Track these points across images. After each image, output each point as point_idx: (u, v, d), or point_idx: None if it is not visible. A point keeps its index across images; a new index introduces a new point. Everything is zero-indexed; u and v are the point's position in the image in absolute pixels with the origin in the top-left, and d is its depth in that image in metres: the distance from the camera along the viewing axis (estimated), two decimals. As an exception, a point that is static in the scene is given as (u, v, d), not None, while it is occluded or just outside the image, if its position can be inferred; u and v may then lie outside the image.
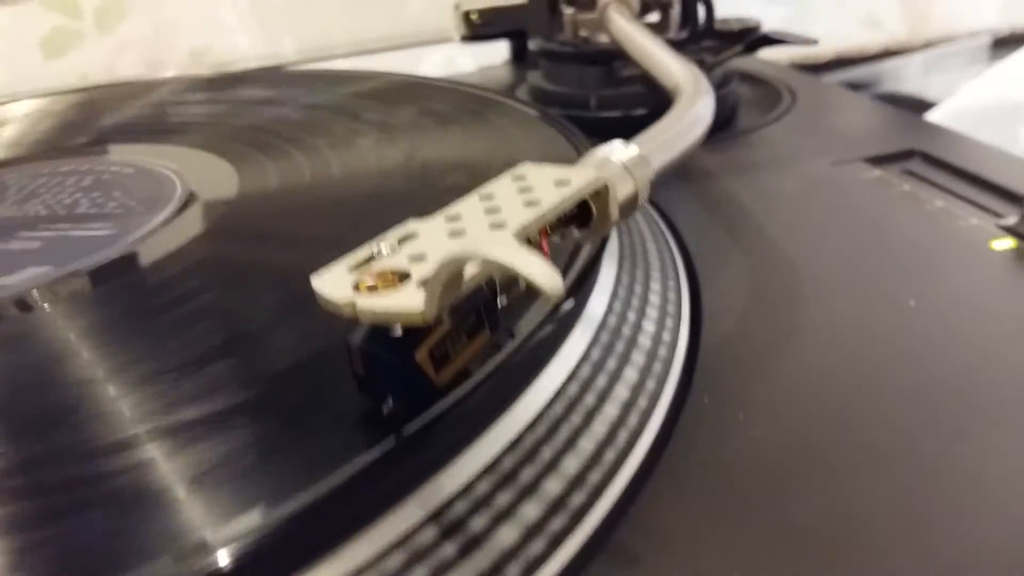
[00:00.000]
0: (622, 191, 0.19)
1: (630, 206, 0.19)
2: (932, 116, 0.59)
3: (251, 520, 0.13)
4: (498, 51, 0.56)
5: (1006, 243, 0.25)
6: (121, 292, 0.22)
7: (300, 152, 0.28)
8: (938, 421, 0.18)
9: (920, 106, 0.67)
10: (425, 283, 0.14)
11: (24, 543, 0.13)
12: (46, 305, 0.21)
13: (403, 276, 0.14)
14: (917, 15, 0.81)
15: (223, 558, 0.12)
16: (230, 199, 0.26)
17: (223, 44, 0.63)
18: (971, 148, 0.33)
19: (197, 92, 0.38)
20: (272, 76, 0.45)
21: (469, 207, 0.17)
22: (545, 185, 0.17)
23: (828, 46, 0.76)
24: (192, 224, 0.24)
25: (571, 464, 0.17)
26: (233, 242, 0.23)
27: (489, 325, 0.16)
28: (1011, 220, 0.26)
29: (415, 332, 0.15)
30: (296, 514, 0.13)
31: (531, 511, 0.16)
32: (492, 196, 0.17)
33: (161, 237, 0.24)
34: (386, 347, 0.14)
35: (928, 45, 0.78)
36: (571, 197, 0.17)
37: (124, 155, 0.31)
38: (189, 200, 0.26)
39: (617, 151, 0.19)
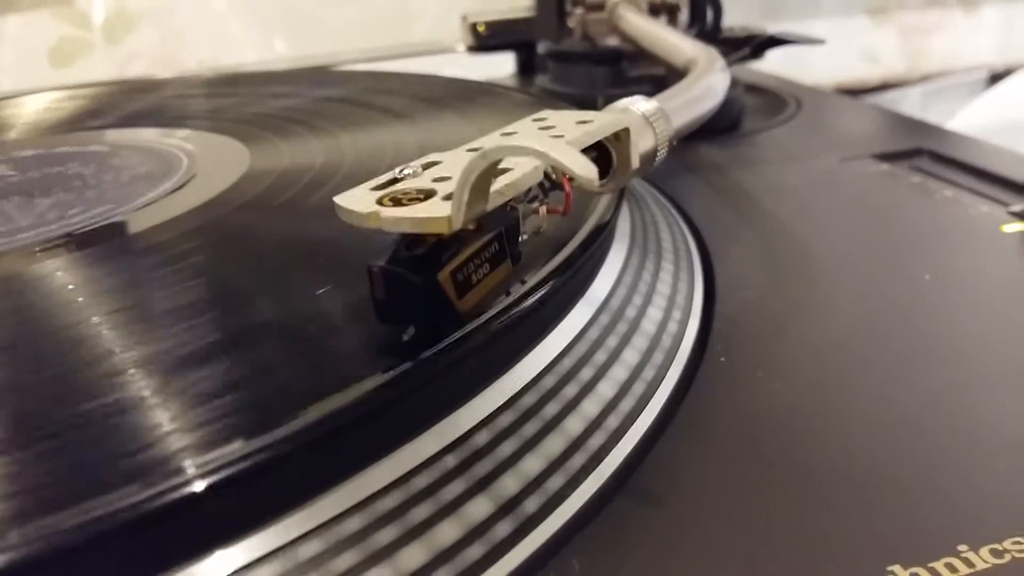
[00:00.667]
0: (643, 141, 0.19)
1: (650, 158, 0.19)
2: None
3: (265, 439, 0.12)
4: (498, 66, 0.57)
5: (1016, 227, 0.25)
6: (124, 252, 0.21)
7: (311, 134, 0.28)
8: (949, 379, 0.18)
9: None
10: (448, 196, 0.14)
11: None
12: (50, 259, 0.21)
13: (428, 193, 0.14)
14: (914, 51, 0.83)
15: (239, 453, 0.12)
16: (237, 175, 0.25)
17: (230, 56, 0.63)
18: (977, 146, 0.33)
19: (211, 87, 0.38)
20: (295, 74, 0.45)
21: (490, 139, 0.16)
22: (567, 124, 0.17)
23: (829, 77, 0.78)
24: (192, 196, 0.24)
25: (590, 407, 0.17)
26: (236, 212, 0.23)
27: (511, 257, 0.16)
28: (1020, 207, 0.26)
29: (438, 254, 0.14)
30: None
31: (553, 445, 0.15)
32: (514, 133, 0.17)
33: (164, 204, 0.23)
34: (408, 268, 0.14)
35: (925, 79, 0.79)
36: (592, 132, 0.17)
37: (136, 137, 0.31)
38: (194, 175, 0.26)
39: (639, 103, 0.19)
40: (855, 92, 0.79)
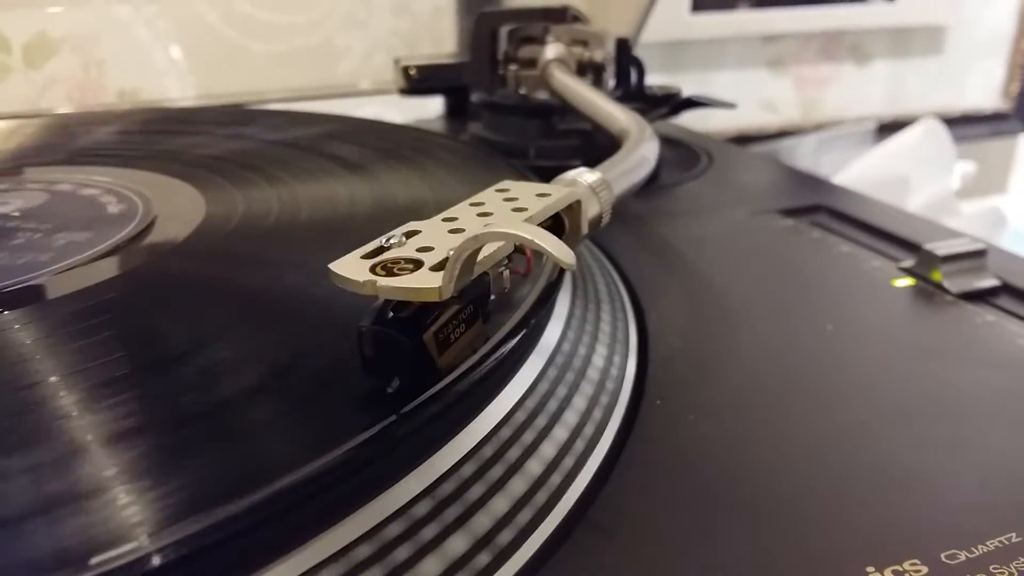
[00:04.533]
0: (590, 209, 0.21)
1: (596, 224, 0.21)
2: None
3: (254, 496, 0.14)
4: (429, 106, 0.59)
5: (905, 282, 0.29)
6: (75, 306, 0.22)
7: (267, 183, 0.30)
8: (847, 418, 0.21)
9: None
10: (436, 267, 0.15)
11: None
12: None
13: (416, 263, 0.16)
14: (809, 101, 0.89)
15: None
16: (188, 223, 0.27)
17: (153, 87, 0.63)
18: (868, 204, 0.37)
19: (159, 123, 0.39)
20: (244, 113, 0.45)
21: (462, 211, 0.18)
22: (528, 196, 0.19)
23: (731, 124, 0.83)
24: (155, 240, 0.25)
25: (548, 449, 0.19)
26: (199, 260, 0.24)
27: (482, 316, 0.18)
28: (909, 263, 0.30)
29: (422, 317, 0.16)
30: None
31: (518, 486, 0.17)
32: (482, 203, 0.19)
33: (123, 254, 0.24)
34: (396, 328, 0.16)
35: (819, 127, 0.85)
36: (553, 205, 0.19)
37: (91, 176, 0.31)
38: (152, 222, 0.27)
39: (584, 175, 0.22)
40: (755, 139, 0.85)
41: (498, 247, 0.16)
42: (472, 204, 0.19)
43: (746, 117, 0.84)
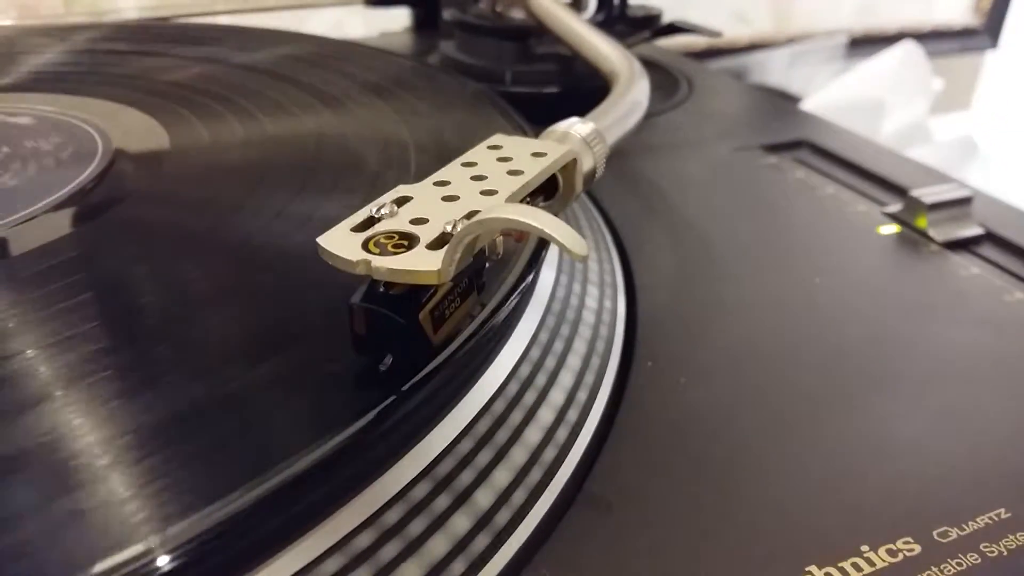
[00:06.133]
0: (584, 163, 0.20)
1: (590, 178, 0.20)
2: (804, 107, 0.63)
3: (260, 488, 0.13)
4: (392, 17, 0.56)
5: (890, 228, 0.29)
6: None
7: (232, 115, 0.28)
8: (837, 383, 0.21)
9: (785, 98, 0.72)
10: (433, 245, 0.15)
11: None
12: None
13: (411, 238, 0.15)
14: (781, 12, 0.87)
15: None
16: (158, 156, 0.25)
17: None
18: (852, 141, 0.36)
19: (121, 41, 0.36)
20: (202, 30, 0.42)
21: (455, 174, 0.17)
22: (523, 155, 0.18)
23: (702, 38, 0.81)
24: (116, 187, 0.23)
25: (545, 414, 0.18)
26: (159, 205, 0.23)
27: (477, 288, 0.17)
28: (894, 208, 0.29)
29: (417, 294, 0.15)
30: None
31: (518, 455, 0.17)
32: (475, 164, 0.18)
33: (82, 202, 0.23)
34: (390, 307, 0.15)
35: (791, 41, 0.84)
36: (549, 167, 0.18)
37: (37, 108, 0.29)
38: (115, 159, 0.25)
39: (577, 127, 0.20)
40: (726, 52, 0.83)
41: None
42: (465, 164, 0.18)
43: (718, 29, 0.82)
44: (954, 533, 0.16)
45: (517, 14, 0.39)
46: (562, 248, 0.13)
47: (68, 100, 0.29)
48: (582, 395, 0.19)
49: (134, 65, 0.33)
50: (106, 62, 0.33)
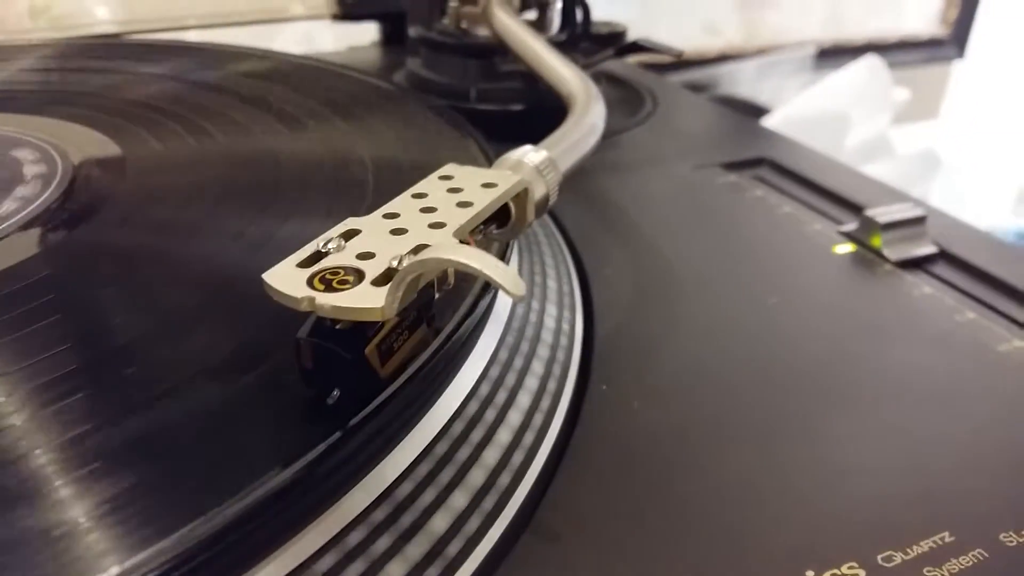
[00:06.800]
0: (537, 191, 0.20)
1: (543, 206, 0.20)
2: (769, 121, 0.64)
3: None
4: (362, 31, 0.56)
5: (846, 247, 0.29)
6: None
7: (189, 134, 0.28)
8: (789, 405, 0.21)
9: (754, 110, 0.73)
10: (379, 281, 0.15)
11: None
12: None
13: (357, 274, 0.15)
14: (751, 24, 0.88)
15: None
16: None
17: (64, 5, 0.59)
18: (811, 158, 0.37)
19: (75, 58, 0.36)
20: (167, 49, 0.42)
21: (405, 206, 0.17)
22: (473, 186, 0.18)
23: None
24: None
25: (504, 435, 0.18)
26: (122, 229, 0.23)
27: (426, 321, 0.17)
28: (850, 227, 0.30)
29: (363, 327, 0.15)
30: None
31: (475, 477, 0.17)
32: (425, 195, 0.18)
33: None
34: (336, 342, 0.15)
35: (760, 52, 0.85)
36: (500, 198, 0.18)
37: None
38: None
39: (530, 155, 0.21)
40: (695, 63, 0.84)
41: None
42: (415, 196, 0.18)
43: (687, 40, 0.83)
44: (898, 557, 0.17)
45: (482, 32, 0.39)
46: (500, 288, 0.13)
47: (25, 119, 0.29)
48: (538, 419, 0.20)
49: (92, 83, 0.32)
50: (64, 80, 0.33)
